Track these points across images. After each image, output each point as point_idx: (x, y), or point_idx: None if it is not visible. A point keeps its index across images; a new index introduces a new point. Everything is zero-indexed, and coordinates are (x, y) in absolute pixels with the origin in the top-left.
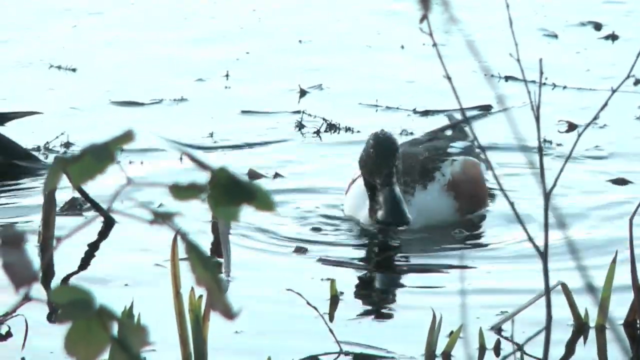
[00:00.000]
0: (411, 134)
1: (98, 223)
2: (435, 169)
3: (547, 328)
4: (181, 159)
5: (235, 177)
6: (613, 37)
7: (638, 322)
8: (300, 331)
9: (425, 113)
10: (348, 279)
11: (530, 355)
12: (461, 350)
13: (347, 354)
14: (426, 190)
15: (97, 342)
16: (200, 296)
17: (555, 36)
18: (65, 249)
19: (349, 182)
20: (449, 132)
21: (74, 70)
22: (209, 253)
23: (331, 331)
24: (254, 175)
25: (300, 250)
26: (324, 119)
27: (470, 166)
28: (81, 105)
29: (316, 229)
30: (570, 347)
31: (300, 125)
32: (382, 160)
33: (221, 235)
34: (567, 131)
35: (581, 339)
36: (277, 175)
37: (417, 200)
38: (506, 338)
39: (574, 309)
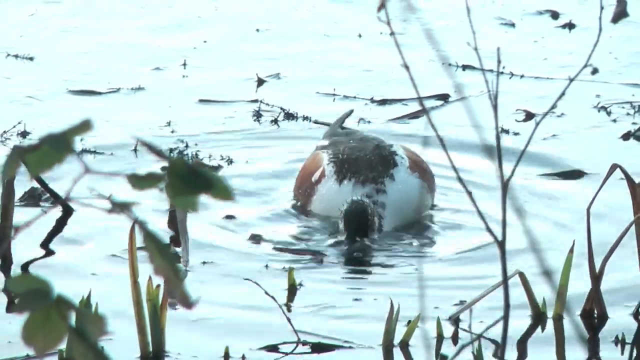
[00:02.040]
0: (369, 122)
1: (57, 212)
2: (392, 154)
3: (505, 317)
4: (136, 149)
5: (193, 166)
6: (570, 25)
7: (595, 311)
8: (258, 321)
9: (383, 102)
10: (306, 269)
11: (489, 342)
12: (419, 339)
13: (305, 343)
14: (394, 180)
15: (55, 331)
16: (158, 285)
17: (513, 25)
18: (23, 238)
19: (303, 186)
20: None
21: (31, 59)
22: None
23: (289, 321)
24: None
25: (255, 238)
26: (281, 108)
27: (405, 147)
28: (38, 94)
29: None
30: (528, 337)
31: (257, 114)
32: (352, 234)
33: (179, 224)
34: (525, 120)
35: (539, 328)
36: (232, 163)
37: (391, 195)
38: (464, 328)
39: (531, 299)
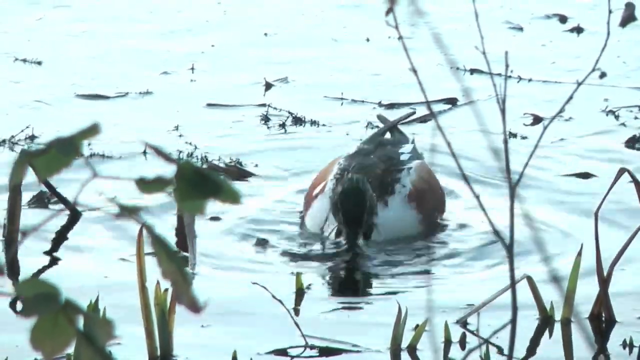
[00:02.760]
0: (376, 127)
1: (64, 216)
2: (394, 181)
3: (513, 321)
4: (145, 153)
5: (201, 170)
6: (578, 29)
7: (603, 315)
8: (266, 325)
9: (391, 106)
10: (313, 273)
11: (497, 346)
12: (427, 344)
13: (312, 347)
14: (387, 207)
15: (63, 335)
16: (166, 290)
17: (521, 29)
18: (31, 242)
19: (308, 196)
20: (388, 135)
21: (39, 63)
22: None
23: (297, 325)
24: (213, 169)
25: (261, 243)
26: (289, 112)
27: (424, 171)
28: (46, 99)
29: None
30: (535, 340)
31: (265, 119)
32: (349, 223)
33: (187, 228)
34: (533, 124)
35: (547, 332)
36: (240, 166)
37: (382, 220)
38: (472, 332)
39: (539, 302)
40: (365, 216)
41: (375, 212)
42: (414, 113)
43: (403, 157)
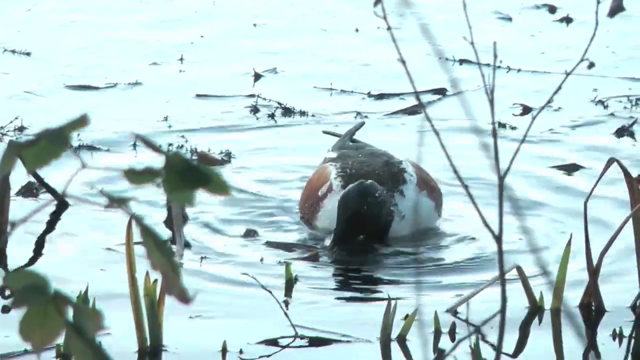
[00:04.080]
0: (366, 117)
1: (54, 207)
2: (401, 170)
3: (502, 311)
4: (134, 144)
5: (189, 161)
6: (567, 19)
7: (593, 304)
8: (256, 315)
9: (380, 96)
10: (303, 263)
11: (486, 338)
12: (416, 333)
13: (302, 337)
14: (404, 197)
15: (52, 326)
16: (155, 280)
17: (510, 19)
18: (20, 233)
19: (311, 199)
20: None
21: (28, 54)
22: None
23: (287, 315)
24: (205, 158)
25: (250, 233)
26: (278, 103)
27: (413, 162)
28: (36, 89)
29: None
30: (525, 330)
31: (255, 109)
32: (340, 221)
33: (175, 219)
34: (522, 114)
35: (536, 322)
36: (229, 158)
37: (403, 209)
38: (462, 321)
39: (529, 292)
40: (359, 222)
41: (388, 215)
42: (363, 124)
43: (375, 149)
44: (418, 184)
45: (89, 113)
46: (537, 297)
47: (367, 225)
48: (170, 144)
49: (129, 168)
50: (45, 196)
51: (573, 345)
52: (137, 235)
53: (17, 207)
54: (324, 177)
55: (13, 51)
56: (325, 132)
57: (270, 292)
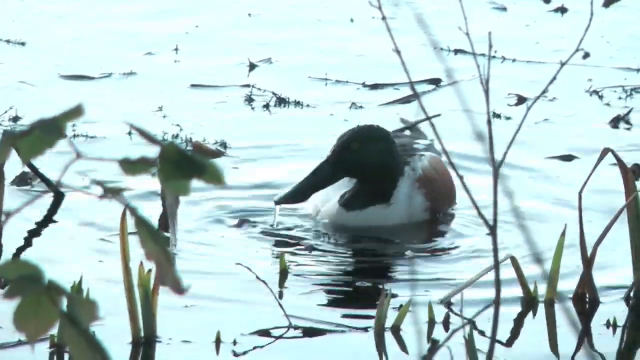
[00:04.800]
0: (360, 107)
1: (48, 197)
2: (405, 163)
3: (496, 302)
4: (130, 134)
5: (184, 151)
6: (562, 9)
7: (587, 295)
8: (250, 305)
9: (375, 86)
10: (297, 254)
11: (480, 329)
12: (410, 324)
13: (296, 328)
14: (400, 189)
15: (46, 317)
16: (150, 270)
17: (504, 9)
18: (14, 223)
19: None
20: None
21: (22, 44)
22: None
23: (281, 305)
24: (199, 148)
25: (243, 223)
26: (273, 93)
27: (436, 161)
28: (30, 79)
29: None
30: (519, 321)
31: (249, 99)
32: (335, 154)
33: (169, 209)
34: (517, 104)
35: (530, 312)
36: (224, 147)
37: (393, 201)
38: (455, 312)
39: (523, 283)
40: (348, 148)
41: (389, 167)
42: (439, 115)
43: (417, 146)
44: (419, 180)
45: (84, 103)
46: (531, 287)
47: (358, 165)
48: (165, 134)
49: (124, 158)
50: (40, 186)
51: (567, 336)
52: (131, 225)
53: (12, 197)
54: None
55: (7, 41)
56: (401, 120)
57: (264, 282)
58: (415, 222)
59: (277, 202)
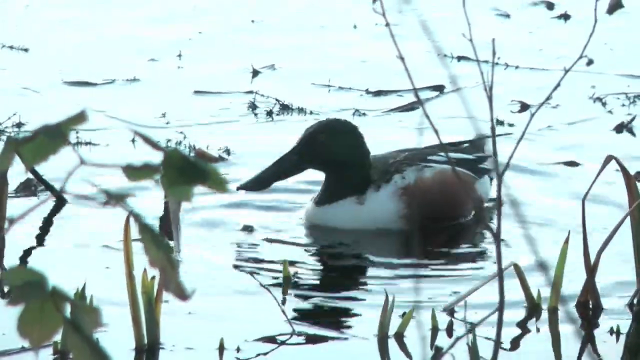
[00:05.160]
0: (364, 114)
1: (51, 204)
2: (396, 171)
3: (500, 309)
4: (134, 140)
5: (188, 157)
6: (565, 16)
7: (590, 302)
8: (253, 312)
9: (378, 93)
10: (300, 260)
11: (483, 336)
12: (414, 331)
13: (299, 334)
14: (378, 192)
15: (50, 323)
16: (153, 277)
17: (508, 16)
18: (18, 230)
19: None
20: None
21: (26, 50)
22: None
23: (284, 312)
24: (202, 155)
25: (247, 229)
26: (276, 100)
27: (443, 176)
28: (34, 86)
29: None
30: (523, 328)
31: (252, 106)
32: (300, 145)
33: (172, 215)
34: (520, 111)
35: (534, 320)
36: (227, 154)
37: (366, 203)
38: (459, 319)
39: (526, 290)
40: (315, 140)
41: (353, 156)
42: (510, 134)
43: (437, 158)
44: (406, 189)
45: (87, 109)
46: (535, 294)
47: (324, 157)
48: (169, 141)
49: (128, 164)
50: (43, 193)
51: (570, 343)
52: (135, 232)
53: (15, 203)
54: None
55: (11, 47)
56: (477, 136)
57: (268, 289)
58: (387, 228)
59: (239, 188)
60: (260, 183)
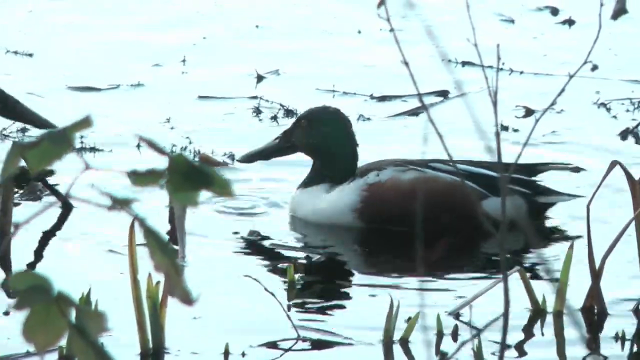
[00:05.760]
0: (368, 119)
1: (56, 209)
2: (375, 169)
3: (505, 314)
4: (139, 146)
5: (193, 162)
6: (570, 22)
7: (595, 307)
8: (258, 317)
9: (382, 98)
10: (305, 265)
11: (489, 341)
12: (419, 336)
13: (304, 340)
14: (348, 185)
15: (55, 328)
16: (158, 282)
17: (512, 21)
18: (23, 234)
19: None
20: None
21: (30, 55)
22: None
23: (289, 317)
24: (206, 160)
25: (253, 234)
26: (281, 105)
27: (426, 181)
28: (38, 91)
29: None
30: (528, 333)
31: (257, 111)
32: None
33: (177, 220)
34: (525, 116)
35: (539, 325)
36: (232, 159)
37: (332, 193)
38: (464, 324)
39: (531, 295)
40: (298, 124)
41: (335, 144)
42: (581, 169)
43: (440, 168)
44: (372, 184)
45: (92, 114)
46: (540, 299)
47: (303, 142)
48: (173, 146)
49: (133, 169)
50: (49, 198)
51: (575, 348)
52: (139, 237)
53: (21, 208)
54: None
55: (15, 52)
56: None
57: (273, 294)
58: (339, 222)
59: (238, 161)
60: (246, 158)
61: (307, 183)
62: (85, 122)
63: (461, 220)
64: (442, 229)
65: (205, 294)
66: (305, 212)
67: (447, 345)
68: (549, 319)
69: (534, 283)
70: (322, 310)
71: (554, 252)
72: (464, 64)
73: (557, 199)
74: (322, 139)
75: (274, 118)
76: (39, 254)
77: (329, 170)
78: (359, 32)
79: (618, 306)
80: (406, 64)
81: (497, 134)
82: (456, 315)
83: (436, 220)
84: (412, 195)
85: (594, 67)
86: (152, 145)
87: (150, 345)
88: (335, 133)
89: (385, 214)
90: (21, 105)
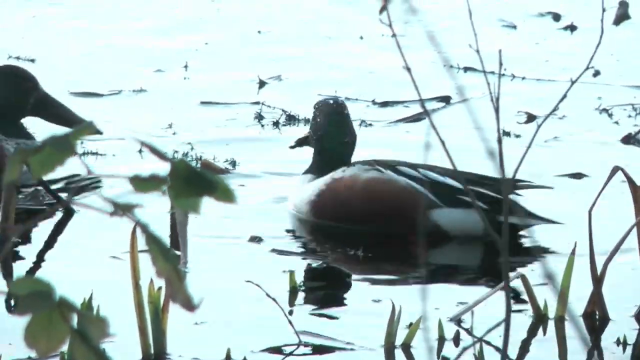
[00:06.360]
0: (370, 125)
1: (58, 214)
2: (346, 164)
3: (507, 319)
4: (141, 151)
5: (195, 168)
6: (572, 27)
7: (597, 313)
8: (260, 322)
9: (384, 104)
10: (307, 271)
11: (490, 346)
12: (421, 341)
13: (306, 345)
14: (321, 178)
15: (57, 333)
16: (160, 288)
17: (514, 27)
18: (25, 240)
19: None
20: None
21: (33, 60)
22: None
23: (290, 322)
24: (208, 166)
25: (255, 240)
26: (283, 110)
27: (380, 182)
28: None
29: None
30: (529, 338)
31: (259, 116)
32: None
33: (179, 226)
34: (527, 122)
35: (540, 330)
36: (234, 165)
37: (307, 185)
38: (466, 329)
39: (533, 301)
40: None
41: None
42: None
43: (429, 175)
44: (336, 179)
45: (95, 120)
46: (542, 305)
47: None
48: (176, 152)
49: (135, 175)
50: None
51: (577, 354)
52: (141, 243)
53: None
54: None
55: (18, 57)
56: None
57: (274, 299)
58: (300, 216)
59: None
60: (297, 142)
61: (305, 170)
62: (88, 128)
63: (403, 226)
64: (387, 232)
65: (207, 299)
66: (290, 200)
67: (449, 350)
68: (551, 324)
69: (536, 289)
70: (323, 316)
71: (556, 257)
72: (466, 69)
73: (528, 222)
74: (314, 129)
75: (276, 124)
76: (40, 260)
77: (317, 160)
78: (361, 37)
79: (620, 312)
80: (408, 69)
81: (499, 140)
82: (458, 320)
83: (382, 222)
84: (363, 194)
85: (596, 73)
86: (154, 150)
87: (152, 350)
88: (324, 123)
89: (336, 211)
90: (63, 107)
